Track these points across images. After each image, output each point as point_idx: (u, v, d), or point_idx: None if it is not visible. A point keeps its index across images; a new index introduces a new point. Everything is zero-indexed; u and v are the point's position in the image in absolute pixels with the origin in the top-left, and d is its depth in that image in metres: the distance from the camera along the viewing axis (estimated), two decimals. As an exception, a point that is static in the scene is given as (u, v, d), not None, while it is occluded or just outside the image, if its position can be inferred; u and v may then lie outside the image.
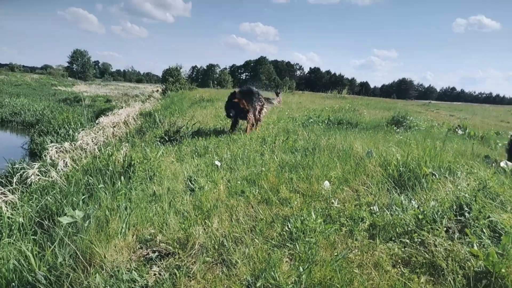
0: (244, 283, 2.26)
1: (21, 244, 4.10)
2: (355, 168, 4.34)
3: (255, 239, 2.78)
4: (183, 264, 2.59)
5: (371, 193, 3.58)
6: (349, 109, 13.96)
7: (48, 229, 4.40)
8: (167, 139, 7.07)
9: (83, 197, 4.92)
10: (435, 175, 3.80)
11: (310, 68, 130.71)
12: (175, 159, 5.41)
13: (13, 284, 3.01)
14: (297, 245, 2.61)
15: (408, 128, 9.41)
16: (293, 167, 4.55)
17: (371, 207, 3.21)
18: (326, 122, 9.76)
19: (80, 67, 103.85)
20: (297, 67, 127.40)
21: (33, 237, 4.27)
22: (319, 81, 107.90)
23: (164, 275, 2.45)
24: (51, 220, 4.61)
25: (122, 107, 18.28)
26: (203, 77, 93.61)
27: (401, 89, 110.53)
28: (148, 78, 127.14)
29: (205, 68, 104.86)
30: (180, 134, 7.10)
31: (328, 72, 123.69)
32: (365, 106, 16.53)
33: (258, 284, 2.18)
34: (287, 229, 2.88)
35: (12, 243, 4.22)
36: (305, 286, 2.13)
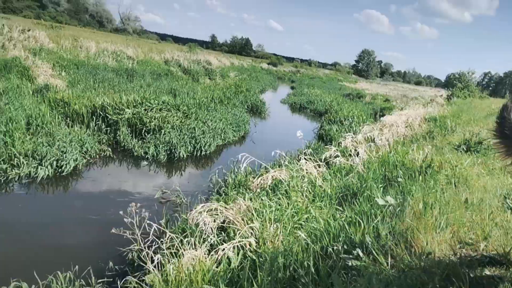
0: None
1: (329, 210, 5.11)
2: None
3: None
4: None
5: None
6: None
7: (350, 204, 5.23)
8: (465, 148, 6.69)
9: (381, 185, 5.50)
10: None
11: None
12: (485, 171, 5.10)
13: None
14: None
15: None
16: None
17: None
18: None
19: (365, 65, 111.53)
20: None
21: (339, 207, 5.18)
22: None
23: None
24: (352, 197, 5.45)
25: (401, 108, 18.45)
26: (496, 85, 79.33)
27: None
28: (428, 81, 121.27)
29: (501, 75, 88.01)
30: (483, 146, 6.55)
31: None
32: None
33: None
34: None
35: (321, 207, 5.31)
36: None
